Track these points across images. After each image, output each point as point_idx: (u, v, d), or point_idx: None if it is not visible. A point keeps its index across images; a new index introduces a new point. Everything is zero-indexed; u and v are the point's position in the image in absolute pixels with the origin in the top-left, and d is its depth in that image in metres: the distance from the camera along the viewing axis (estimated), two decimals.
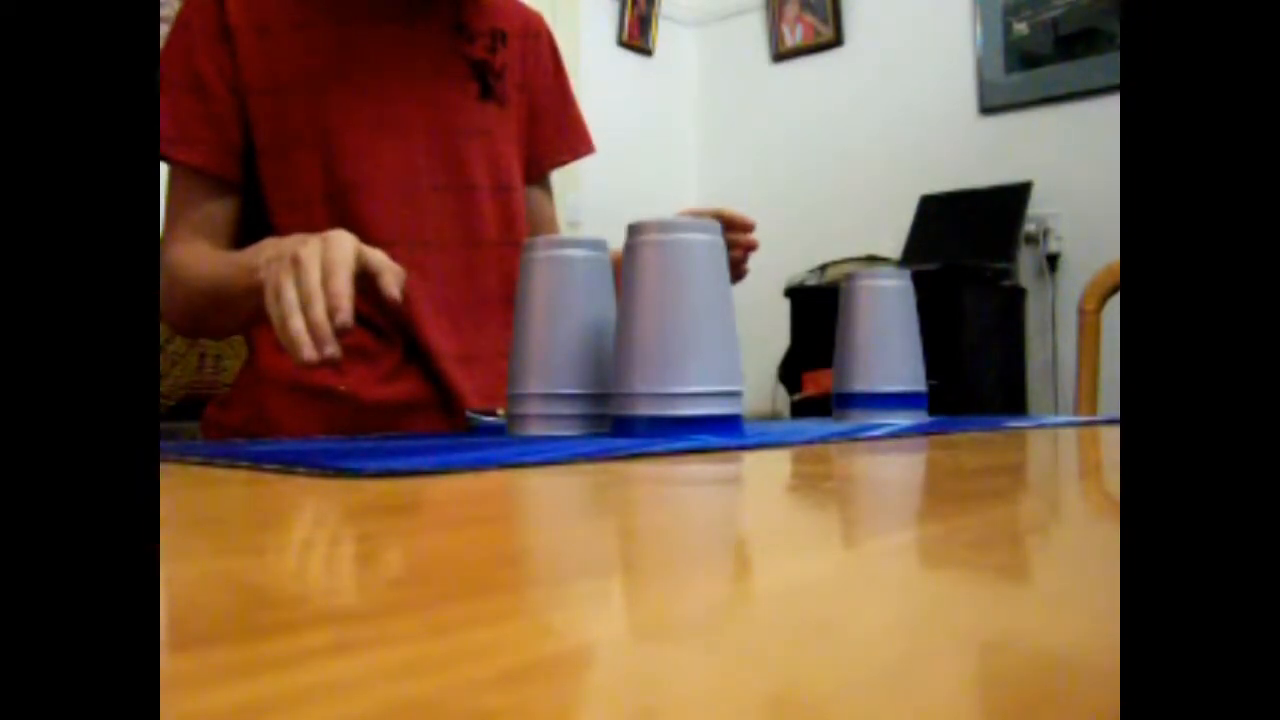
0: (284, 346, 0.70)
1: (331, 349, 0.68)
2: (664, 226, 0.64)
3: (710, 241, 0.64)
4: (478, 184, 1.00)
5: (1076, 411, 1.34)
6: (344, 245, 0.72)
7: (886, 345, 0.87)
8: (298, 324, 0.69)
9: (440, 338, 0.96)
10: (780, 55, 3.62)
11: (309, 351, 0.68)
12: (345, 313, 0.69)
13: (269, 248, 0.79)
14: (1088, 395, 1.33)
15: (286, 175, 0.94)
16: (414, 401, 0.95)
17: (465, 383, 0.95)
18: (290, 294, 0.70)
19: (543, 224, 1.15)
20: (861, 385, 0.87)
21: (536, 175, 1.12)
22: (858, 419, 0.87)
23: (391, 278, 0.73)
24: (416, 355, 0.96)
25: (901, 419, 0.85)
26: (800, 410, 2.78)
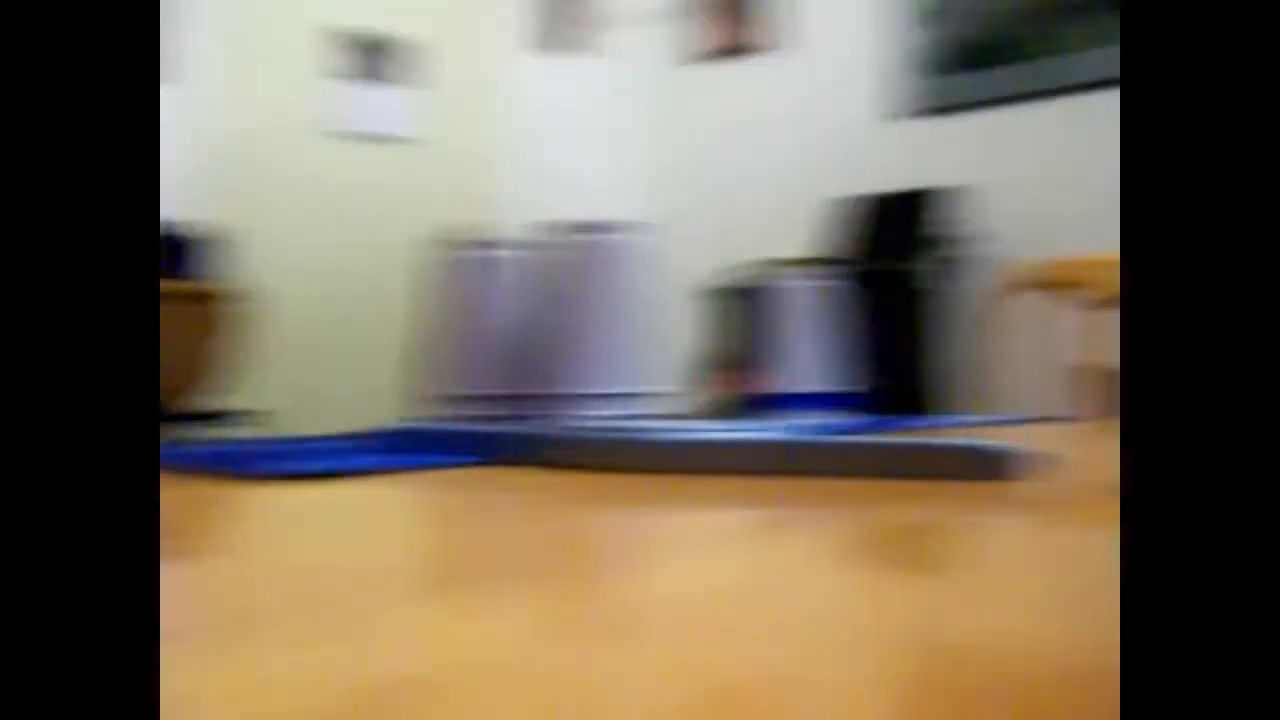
0: None
1: None
2: (574, 228, 0.64)
3: (621, 243, 0.64)
4: None
5: (985, 409, 1.35)
6: None
7: (804, 345, 0.87)
8: None
9: None
10: (697, 59, 3.62)
11: None
12: None
13: None
14: (991, 392, 1.36)
15: None
16: None
17: None
18: None
19: None
20: (780, 386, 0.87)
21: None
22: (776, 420, 0.86)
23: None
24: None
25: (820, 420, 0.85)
26: (718, 411, 2.78)
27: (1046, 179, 2.83)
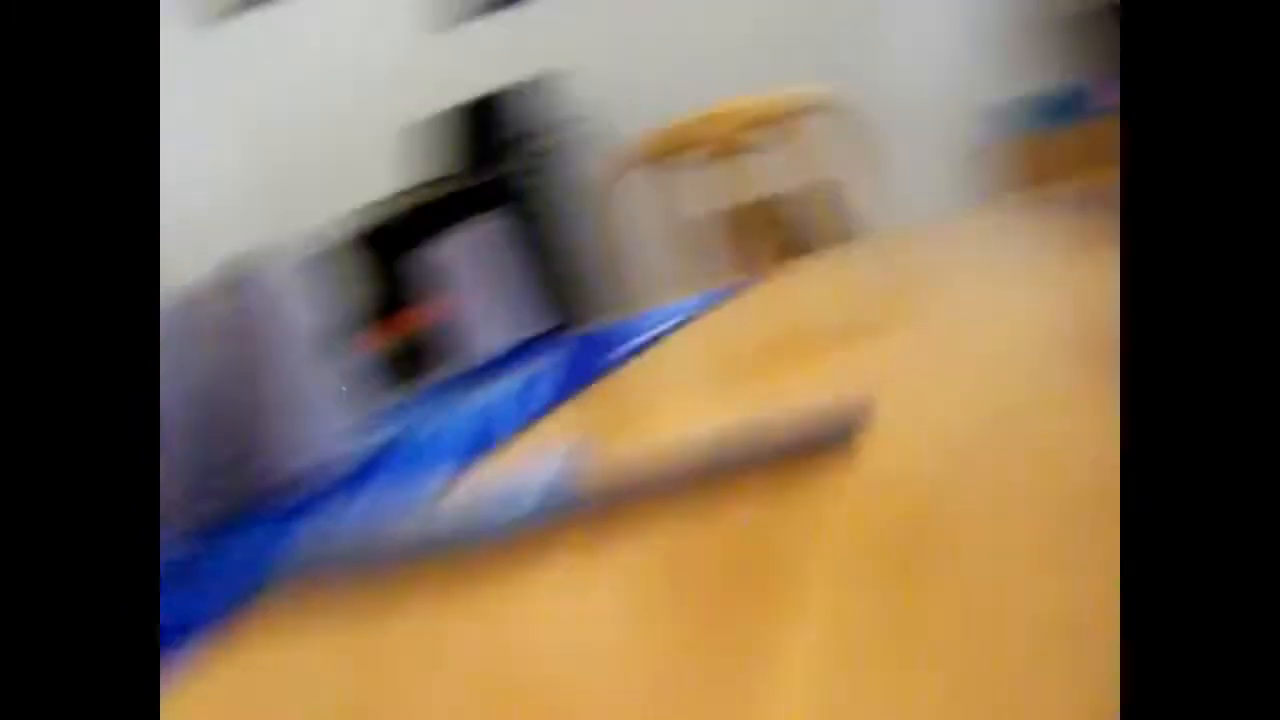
0: None
1: None
2: (196, 294, 0.57)
3: (261, 286, 0.58)
4: None
5: (637, 301, 1.30)
6: None
7: (469, 300, 0.80)
8: None
9: None
10: (215, 15, 3.06)
11: None
12: None
13: None
14: (613, 277, 1.32)
15: None
16: None
17: None
18: None
19: None
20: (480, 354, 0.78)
21: None
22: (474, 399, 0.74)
23: None
24: None
25: (534, 368, 0.76)
26: (382, 368, 2.48)
27: (633, 50, 2.64)
